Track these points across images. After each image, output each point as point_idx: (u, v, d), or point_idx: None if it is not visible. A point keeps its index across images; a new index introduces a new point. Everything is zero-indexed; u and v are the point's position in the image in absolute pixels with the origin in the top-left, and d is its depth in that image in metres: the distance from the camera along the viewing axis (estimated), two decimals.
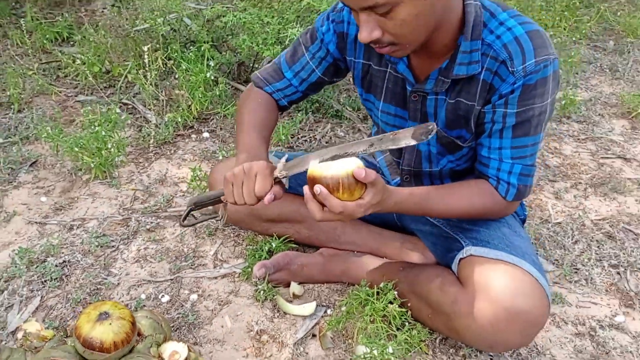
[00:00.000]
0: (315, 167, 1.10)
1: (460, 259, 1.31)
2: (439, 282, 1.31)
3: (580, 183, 2.03)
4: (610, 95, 2.63)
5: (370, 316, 1.34)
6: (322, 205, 1.11)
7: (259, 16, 2.31)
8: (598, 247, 1.71)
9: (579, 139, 2.29)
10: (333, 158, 1.15)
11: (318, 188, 1.08)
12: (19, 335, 1.28)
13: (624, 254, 1.69)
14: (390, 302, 1.35)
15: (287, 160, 1.22)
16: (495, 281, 1.19)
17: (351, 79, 2.07)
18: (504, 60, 1.16)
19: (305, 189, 1.11)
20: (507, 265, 1.22)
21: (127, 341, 1.15)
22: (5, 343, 1.39)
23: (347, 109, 2.41)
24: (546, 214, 1.86)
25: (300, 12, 2.38)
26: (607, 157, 2.18)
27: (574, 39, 3.18)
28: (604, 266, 1.64)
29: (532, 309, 1.17)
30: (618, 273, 1.62)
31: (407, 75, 1.28)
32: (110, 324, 1.14)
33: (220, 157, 2.11)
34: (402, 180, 1.50)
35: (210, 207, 1.50)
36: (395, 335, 1.31)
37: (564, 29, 3.25)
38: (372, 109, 1.45)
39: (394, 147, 1.14)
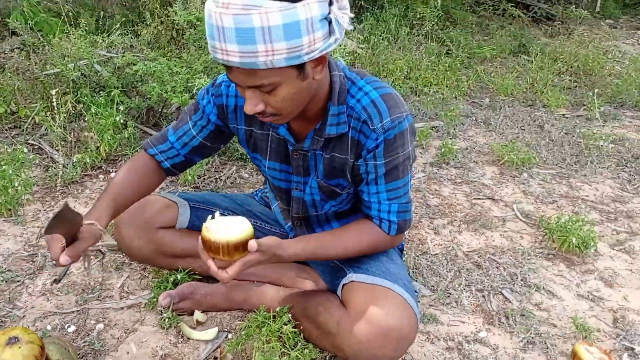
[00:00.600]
0: (206, 230, 1.27)
1: (344, 285, 1.50)
2: (326, 305, 1.49)
3: (455, 220, 2.30)
4: (483, 145, 2.99)
5: (266, 337, 1.49)
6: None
7: (169, 66, 2.47)
8: (467, 274, 1.97)
9: (455, 182, 2.60)
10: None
11: (220, 263, 1.28)
12: None
13: (488, 279, 1.95)
14: (285, 324, 1.51)
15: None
16: (371, 304, 1.38)
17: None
18: (365, 120, 1.38)
19: (210, 262, 1.30)
20: (381, 289, 1.42)
21: None
22: None
23: None
24: (425, 247, 2.11)
25: (208, 63, 2.57)
26: (479, 198, 2.48)
27: (454, 95, 3.58)
28: (471, 290, 1.89)
29: (402, 327, 1.37)
30: (483, 296, 1.87)
31: (288, 137, 1.46)
32: (19, 347, 1.22)
33: None
34: (294, 224, 1.68)
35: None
36: (289, 354, 1.47)
37: (446, 87, 3.65)
38: (260, 165, 1.62)
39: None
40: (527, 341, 1.69)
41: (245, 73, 1.18)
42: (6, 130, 2.62)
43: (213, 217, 1.32)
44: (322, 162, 1.47)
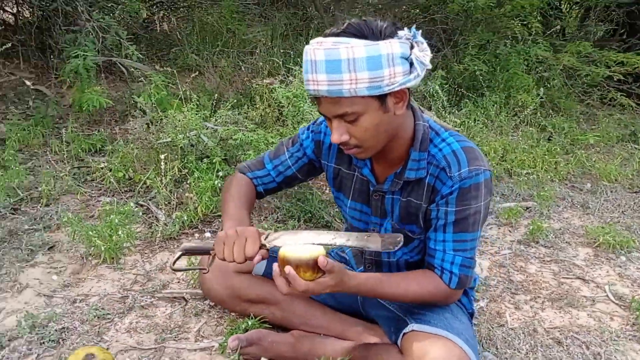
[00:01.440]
0: (286, 250, 1.35)
1: (404, 334, 1.51)
2: (385, 354, 1.51)
3: (539, 297, 2.21)
4: (578, 227, 2.87)
5: None
6: (288, 282, 1.35)
7: (265, 136, 2.69)
8: (545, 350, 1.87)
9: (544, 261, 2.51)
10: (313, 243, 1.40)
11: (288, 269, 1.33)
12: None
13: (567, 356, 1.84)
14: None
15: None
16: (430, 350, 1.39)
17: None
18: (443, 167, 1.46)
19: (275, 266, 1.37)
20: (441, 339, 1.43)
21: None
22: None
23: (335, 220, 2.68)
24: (503, 320, 2.04)
25: None
26: (568, 278, 2.37)
27: (551, 178, 3.49)
28: None
29: None
30: None
31: (370, 177, 1.57)
32: None
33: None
34: (365, 269, 1.74)
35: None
36: None
37: (543, 170, 3.58)
38: (342, 206, 1.72)
39: (364, 248, 1.41)
40: None
41: (331, 102, 1.33)
42: (122, 192, 2.92)
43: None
44: (399, 205, 1.55)
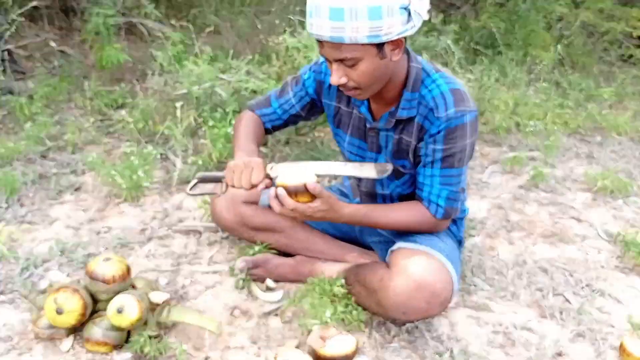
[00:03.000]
0: (282, 177, 1.50)
1: (391, 251, 1.65)
2: (374, 267, 1.67)
3: (532, 234, 2.33)
4: (580, 175, 2.96)
5: (319, 295, 1.67)
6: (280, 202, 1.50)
7: (275, 85, 2.82)
8: (531, 276, 2.00)
9: (542, 204, 2.61)
10: (315, 172, 1.54)
11: (280, 190, 1.48)
12: (46, 283, 1.67)
13: (551, 282, 1.97)
14: (337, 286, 1.68)
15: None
16: (410, 262, 1.53)
17: None
18: (431, 108, 1.57)
19: (272, 190, 1.51)
20: (421, 253, 1.57)
21: (123, 278, 1.55)
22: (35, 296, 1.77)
23: None
24: (495, 252, 2.17)
25: None
26: (563, 218, 2.48)
27: (560, 131, 3.55)
28: (531, 289, 1.93)
29: (436, 283, 1.50)
30: (542, 295, 1.90)
31: (367, 115, 1.70)
32: (111, 263, 1.54)
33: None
34: (361, 200, 1.88)
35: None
36: (337, 308, 1.64)
37: (553, 123, 3.64)
38: (340, 141, 1.86)
39: (359, 175, 1.54)
40: (577, 334, 1.71)
41: (332, 47, 1.44)
42: (143, 142, 3.10)
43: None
44: (392, 142, 1.67)
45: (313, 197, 1.49)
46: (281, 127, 1.92)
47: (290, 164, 1.64)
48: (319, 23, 1.40)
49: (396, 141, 1.67)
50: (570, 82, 4.36)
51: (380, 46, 1.44)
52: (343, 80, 1.50)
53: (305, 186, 1.47)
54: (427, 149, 1.61)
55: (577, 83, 4.37)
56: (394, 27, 1.40)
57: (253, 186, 1.56)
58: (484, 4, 5.00)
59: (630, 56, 5.12)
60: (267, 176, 1.58)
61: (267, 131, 1.92)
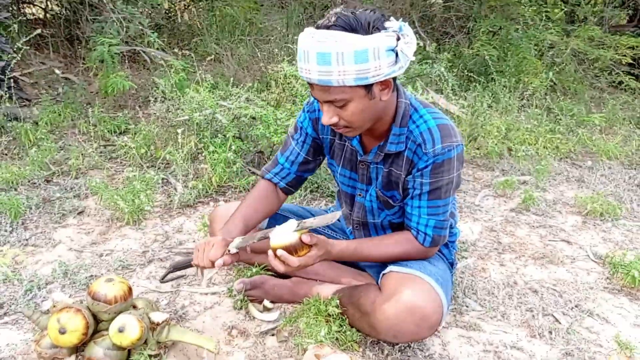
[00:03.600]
0: (274, 240, 1.57)
1: (383, 274, 1.71)
2: (366, 290, 1.72)
3: (523, 256, 2.39)
4: (571, 198, 3.03)
5: (315, 315, 1.73)
6: (282, 262, 1.57)
7: (274, 112, 2.91)
8: (521, 297, 2.06)
9: (533, 226, 2.68)
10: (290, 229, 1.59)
11: (280, 252, 1.55)
12: (49, 304, 1.72)
13: (541, 302, 2.02)
14: (332, 307, 1.74)
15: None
16: (401, 287, 1.59)
17: None
18: (419, 144, 1.64)
19: (269, 252, 1.58)
20: (412, 277, 1.63)
21: (124, 299, 1.59)
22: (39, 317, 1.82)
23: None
24: (487, 274, 2.23)
25: None
26: (553, 240, 2.55)
27: (551, 155, 3.63)
28: (521, 309, 1.98)
29: (426, 306, 1.56)
30: (532, 315, 1.95)
31: (358, 148, 1.76)
32: (113, 284, 1.59)
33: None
34: (353, 228, 1.94)
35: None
36: (332, 327, 1.69)
37: (544, 147, 3.73)
38: (334, 171, 1.93)
39: (318, 225, 1.58)
40: (566, 353, 1.76)
41: (322, 90, 1.50)
42: (145, 167, 3.18)
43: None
44: (382, 174, 1.74)
45: (309, 246, 1.56)
46: (296, 181, 1.94)
47: (254, 234, 1.71)
48: (308, 67, 1.46)
49: (386, 174, 1.74)
50: (562, 107, 4.46)
51: (368, 87, 1.49)
52: (334, 120, 1.56)
53: (301, 240, 1.54)
54: (414, 182, 1.67)
55: (568, 109, 4.47)
56: (381, 69, 1.45)
57: (212, 263, 1.63)
58: (477, 32, 5.14)
59: (620, 82, 5.24)
60: (228, 252, 1.65)
61: (286, 191, 1.95)
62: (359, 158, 1.77)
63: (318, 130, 1.87)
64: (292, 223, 1.57)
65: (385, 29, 1.45)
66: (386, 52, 1.44)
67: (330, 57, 1.41)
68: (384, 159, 1.71)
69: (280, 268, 1.58)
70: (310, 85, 1.53)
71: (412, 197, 1.70)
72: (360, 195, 1.84)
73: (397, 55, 1.46)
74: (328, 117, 1.55)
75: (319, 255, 1.59)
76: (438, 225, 1.70)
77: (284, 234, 1.56)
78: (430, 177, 1.64)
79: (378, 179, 1.76)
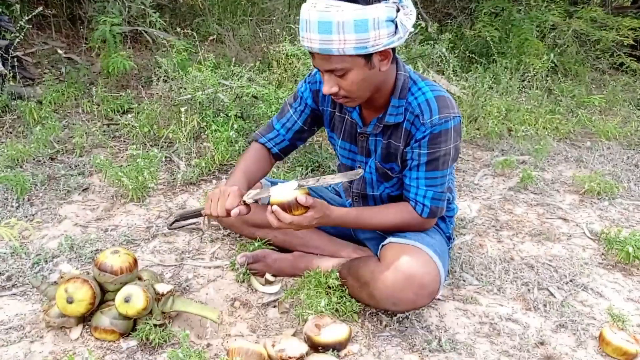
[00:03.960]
0: (274, 195, 1.61)
1: (382, 246, 1.76)
2: (366, 261, 1.77)
3: (520, 233, 2.44)
4: (569, 178, 3.07)
5: (315, 287, 1.77)
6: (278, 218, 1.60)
7: (275, 91, 2.93)
8: (517, 272, 2.11)
9: (530, 205, 2.72)
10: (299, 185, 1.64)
11: (274, 207, 1.59)
12: (57, 275, 1.77)
13: (536, 277, 2.07)
14: (332, 279, 1.78)
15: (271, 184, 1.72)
16: (400, 256, 1.64)
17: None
18: (417, 115, 1.68)
19: (268, 207, 1.62)
20: (411, 247, 1.67)
21: (130, 270, 1.65)
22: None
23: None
24: (484, 250, 2.27)
25: None
26: (550, 218, 2.59)
27: (551, 136, 3.66)
28: (517, 284, 2.03)
29: (424, 275, 1.60)
30: (528, 289, 2.00)
31: (358, 121, 1.80)
32: (119, 256, 1.64)
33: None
34: (353, 201, 1.98)
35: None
36: (331, 299, 1.74)
37: (544, 128, 3.75)
38: (334, 144, 1.96)
39: (330, 184, 1.63)
40: (560, 325, 1.81)
41: (323, 58, 1.54)
42: (148, 146, 3.21)
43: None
44: (381, 146, 1.78)
45: (306, 208, 1.59)
46: (289, 148, 1.99)
47: (266, 187, 1.74)
48: (309, 36, 1.50)
49: (385, 146, 1.77)
50: (562, 89, 4.48)
51: (368, 57, 1.53)
52: (334, 89, 1.60)
53: (296, 200, 1.57)
54: (412, 153, 1.71)
55: (568, 90, 4.49)
56: (380, 39, 1.49)
57: (227, 212, 1.65)
58: (479, 13, 5.13)
59: (622, 64, 5.25)
60: (243, 202, 1.68)
61: (277, 157, 1.99)
62: (358, 130, 1.81)
63: (318, 102, 1.90)
64: (293, 183, 1.61)
65: (385, 0, 1.48)
66: (386, 22, 1.48)
67: (331, 26, 1.45)
68: (382, 130, 1.75)
69: (274, 223, 1.60)
70: (312, 54, 1.57)
71: (410, 169, 1.73)
72: (359, 167, 1.88)
73: (396, 26, 1.50)
74: (328, 86, 1.59)
75: (315, 217, 1.61)
76: (436, 196, 1.73)
77: (284, 191, 1.59)
78: (427, 148, 1.67)
79: (377, 151, 1.80)
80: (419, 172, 1.72)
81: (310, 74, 1.93)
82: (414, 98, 1.69)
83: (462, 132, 1.73)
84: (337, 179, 1.66)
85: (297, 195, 1.57)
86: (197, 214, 1.78)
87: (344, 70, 1.54)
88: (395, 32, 1.51)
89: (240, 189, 1.70)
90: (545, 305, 1.90)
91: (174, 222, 1.84)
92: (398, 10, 1.50)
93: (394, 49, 1.59)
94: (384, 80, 1.66)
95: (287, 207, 1.58)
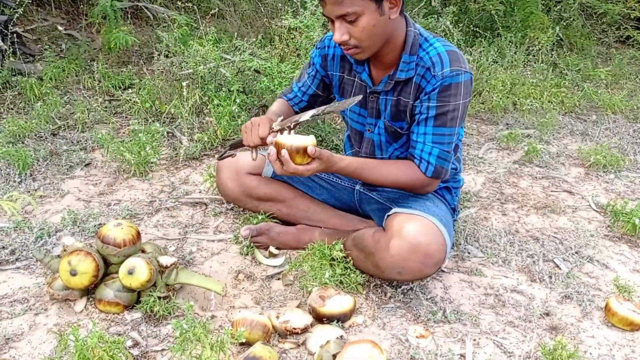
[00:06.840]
0: (282, 138, 1.58)
1: (388, 216, 1.74)
2: (370, 232, 1.75)
3: (526, 206, 2.42)
4: (574, 151, 3.04)
5: (319, 259, 1.77)
6: (282, 164, 1.58)
7: (279, 65, 2.90)
8: (522, 244, 2.09)
9: (535, 178, 2.70)
10: (312, 116, 1.66)
11: (284, 152, 1.56)
12: (60, 249, 1.77)
13: (542, 249, 2.06)
14: (336, 251, 1.77)
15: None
16: (405, 225, 1.62)
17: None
18: (428, 67, 1.66)
19: (271, 148, 1.59)
20: (417, 217, 1.66)
21: (133, 242, 1.64)
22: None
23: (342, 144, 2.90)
24: (489, 223, 2.26)
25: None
26: (556, 191, 2.57)
27: (556, 109, 3.63)
28: (522, 256, 2.02)
29: (429, 244, 1.59)
30: (533, 261, 1.99)
31: (368, 81, 1.78)
32: (122, 229, 1.63)
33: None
34: None
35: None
36: (335, 271, 1.73)
37: (549, 102, 3.71)
38: (344, 111, 1.94)
39: (340, 109, 1.64)
40: (565, 296, 1.80)
41: (334, 3, 1.55)
42: (150, 121, 3.19)
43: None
44: (390, 104, 1.76)
45: (312, 158, 1.57)
46: (307, 107, 2.00)
47: (294, 116, 1.74)
48: None
49: (394, 102, 1.76)
50: (568, 63, 4.42)
51: (379, 2, 1.55)
52: (345, 37, 1.59)
53: (305, 148, 1.54)
54: (421, 107, 1.69)
55: (574, 64, 4.43)
56: None
57: (261, 140, 1.67)
58: None
59: (628, 37, 5.17)
60: (272, 129, 1.68)
61: (296, 113, 2.01)
62: (368, 90, 1.79)
63: (327, 68, 1.92)
64: (312, 138, 1.59)
65: None
66: None
67: None
68: (393, 87, 1.74)
69: (278, 169, 1.59)
70: (322, 2, 1.57)
71: (417, 123, 1.72)
72: (369, 130, 1.87)
73: None
74: (340, 33, 1.59)
75: (319, 169, 1.61)
76: (442, 155, 1.71)
77: (295, 137, 1.57)
78: (437, 101, 1.66)
79: (387, 109, 1.79)
80: (427, 127, 1.70)
81: (321, 39, 1.94)
82: (426, 53, 1.69)
83: (471, 91, 1.70)
84: (339, 105, 1.68)
85: (307, 145, 1.55)
86: (242, 144, 1.79)
87: (355, 15, 1.55)
88: None
89: (269, 118, 1.73)
90: (550, 277, 1.90)
91: (223, 154, 1.86)
92: None
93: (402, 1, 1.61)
94: (394, 33, 1.66)
95: (294, 153, 1.56)
